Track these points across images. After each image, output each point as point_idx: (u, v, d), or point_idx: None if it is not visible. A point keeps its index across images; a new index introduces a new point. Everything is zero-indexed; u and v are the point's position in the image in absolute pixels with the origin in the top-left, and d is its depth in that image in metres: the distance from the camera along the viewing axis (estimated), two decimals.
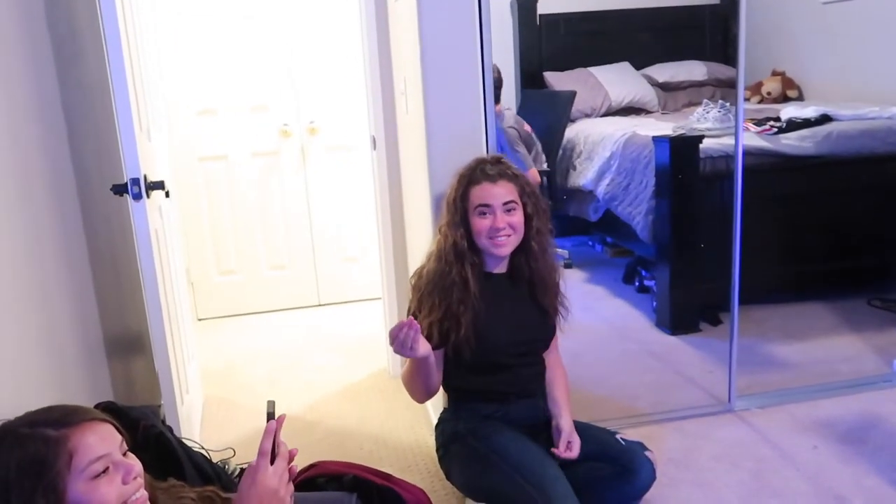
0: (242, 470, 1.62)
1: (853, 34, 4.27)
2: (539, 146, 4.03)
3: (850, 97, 4.11)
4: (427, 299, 1.83)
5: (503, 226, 1.79)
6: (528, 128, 3.96)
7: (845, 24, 4.33)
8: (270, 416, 1.18)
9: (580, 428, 1.89)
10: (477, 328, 1.80)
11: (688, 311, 3.39)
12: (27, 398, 1.43)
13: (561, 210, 4.40)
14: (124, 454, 1.11)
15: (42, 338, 1.67)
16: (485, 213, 1.80)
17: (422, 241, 2.15)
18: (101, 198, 2.34)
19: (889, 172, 3.43)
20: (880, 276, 3.57)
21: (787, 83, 4.72)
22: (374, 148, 3.04)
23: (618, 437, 1.87)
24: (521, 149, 3.86)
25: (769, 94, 4.71)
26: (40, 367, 1.63)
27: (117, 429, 1.16)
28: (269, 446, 1.16)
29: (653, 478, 1.81)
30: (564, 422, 1.86)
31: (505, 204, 1.81)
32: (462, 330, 1.78)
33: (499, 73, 3.97)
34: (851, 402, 2.69)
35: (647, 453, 1.83)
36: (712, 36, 5.17)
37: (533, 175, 3.88)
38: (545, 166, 3.98)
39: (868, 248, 3.52)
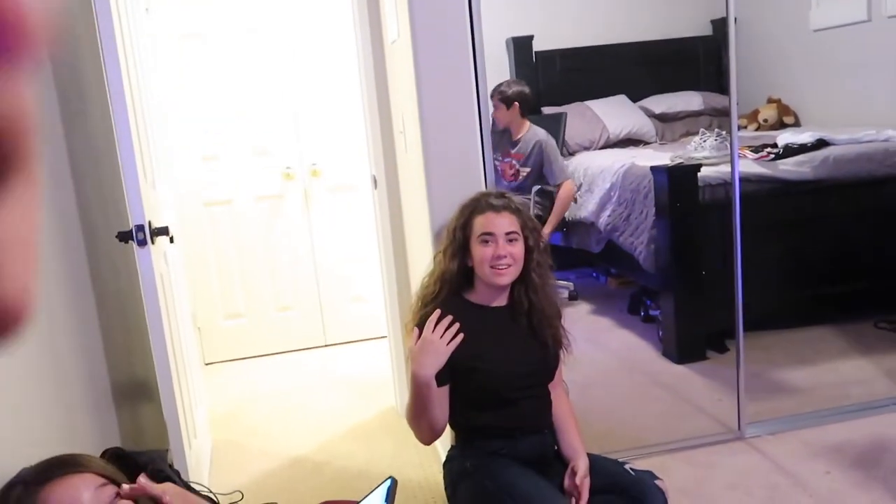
0: None
1: (845, 59, 4.33)
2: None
3: (845, 121, 4.15)
4: None
5: (505, 254, 1.81)
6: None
7: (837, 49, 4.39)
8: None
9: (589, 460, 1.88)
10: (479, 361, 1.81)
11: (694, 340, 3.39)
12: (35, 446, 1.45)
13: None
14: (116, 496, 1.14)
15: (50, 384, 1.69)
16: (487, 241, 1.83)
17: (426, 268, 2.17)
18: (107, 245, 2.37)
19: (888, 194, 3.44)
20: (885, 298, 3.56)
21: (783, 110, 4.77)
22: (375, 187, 3.07)
23: (627, 467, 1.86)
24: (562, 159, 4.04)
25: (766, 121, 4.76)
26: (49, 413, 1.64)
27: (110, 477, 1.18)
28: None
29: None
30: (582, 464, 1.85)
31: (507, 234, 1.83)
32: (464, 363, 1.80)
33: (528, 88, 4.08)
34: (863, 425, 2.67)
35: (657, 482, 1.82)
36: (706, 66, 5.26)
37: (569, 186, 3.97)
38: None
39: (871, 270, 3.52)
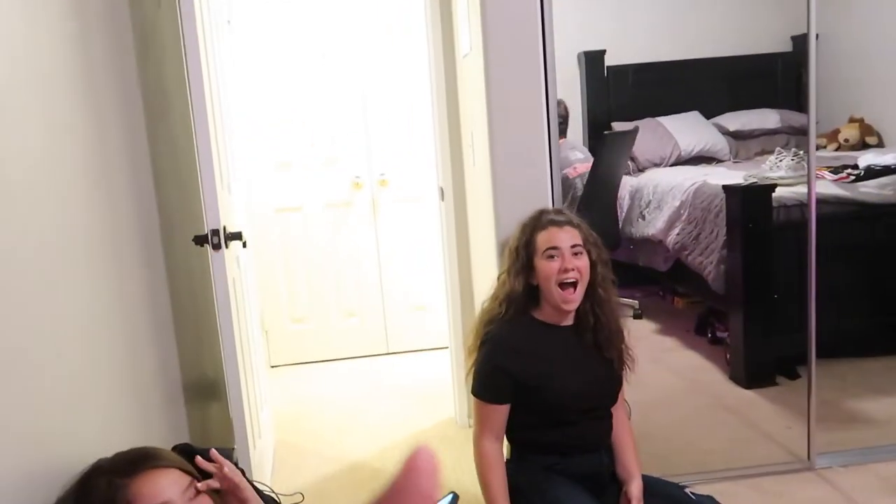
0: None
1: None
2: (578, 192, 4.05)
3: None
4: None
5: (572, 267, 1.80)
6: (580, 169, 4.00)
7: None
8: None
9: (648, 483, 1.85)
10: (545, 381, 1.80)
11: (763, 364, 3.29)
12: (114, 440, 1.51)
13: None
14: (196, 494, 1.15)
15: (129, 383, 1.76)
16: (553, 256, 1.82)
17: (488, 291, 2.18)
18: (183, 248, 2.46)
19: None
20: None
21: (866, 130, 4.61)
22: (442, 199, 3.10)
23: (687, 491, 1.82)
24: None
25: (846, 140, 4.60)
26: (127, 410, 1.71)
27: (189, 472, 1.20)
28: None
29: None
30: (635, 488, 1.82)
31: (572, 247, 1.82)
32: (531, 382, 1.80)
33: (565, 108, 4.05)
34: None
35: None
36: (785, 83, 5.11)
37: None
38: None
39: None
